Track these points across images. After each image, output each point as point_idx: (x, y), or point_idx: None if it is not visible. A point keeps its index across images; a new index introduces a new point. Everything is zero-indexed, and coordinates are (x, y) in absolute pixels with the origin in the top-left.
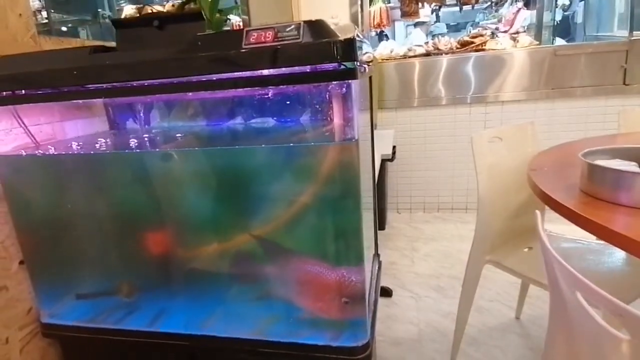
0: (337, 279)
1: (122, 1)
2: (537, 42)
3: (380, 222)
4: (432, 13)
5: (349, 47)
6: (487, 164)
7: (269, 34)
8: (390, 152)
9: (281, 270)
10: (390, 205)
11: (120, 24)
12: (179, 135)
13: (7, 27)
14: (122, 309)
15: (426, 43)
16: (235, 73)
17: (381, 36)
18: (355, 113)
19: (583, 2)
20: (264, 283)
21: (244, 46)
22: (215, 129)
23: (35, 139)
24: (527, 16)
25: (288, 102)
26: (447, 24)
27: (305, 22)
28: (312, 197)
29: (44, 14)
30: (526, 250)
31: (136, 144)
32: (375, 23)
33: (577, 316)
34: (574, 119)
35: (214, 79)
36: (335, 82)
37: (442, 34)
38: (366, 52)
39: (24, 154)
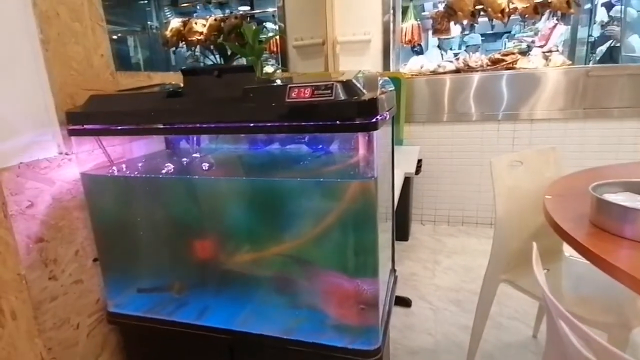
0: (354, 291)
1: (169, 14)
2: (570, 62)
3: (404, 233)
4: (462, 31)
5: (372, 106)
6: (506, 186)
7: (307, 91)
8: (413, 170)
9: (308, 280)
10: (415, 216)
11: (188, 72)
12: (223, 158)
13: (92, 66)
14: (174, 304)
15: (457, 59)
16: (278, 122)
17: (414, 49)
18: (375, 156)
19: (621, 20)
20: (294, 290)
21: (286, 100)
22: (255, 153)
23: (110, 158)
24: (564, 32)
25: (320, 137)
26: (482, 34)
27: (337, 81)
28: (336, 222)
29: None
30: (545, 271)
31: (188, 169)
32: (406, 39)
33: (565, 341)
34: (606, 140)
35: (260, 124)
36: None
37: (477, 45)
38: (389, 90)
39: (102, 173)
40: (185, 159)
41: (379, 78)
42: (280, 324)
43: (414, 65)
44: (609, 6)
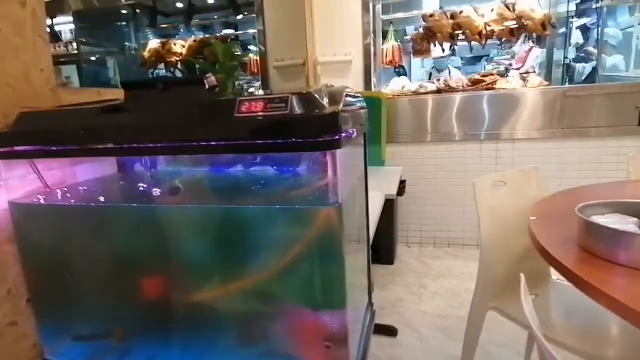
0: (320, 329)
1: (150, 35)
2: (547, 82)
3: (389, 257)
4: (443, 52)
5: (333, 121)
6: (490, 208)
7: (259, 104)
8: (394, 191)
9: (269, 320)
10: (401, 238)
11: (129, 86)
12: (178, 185)
13: (30, 82)
14: (115, 353)
15: (437, 80)
16: (227, 140)
17: (397, 70)
18: (339, 179)
19: (597, 42)
20: (254, 332)
21: (235, 115)
22: (216, 177)
23: (46, 184)
24: (539, 54)
25: (282, 157)
26: (461, 57)
27: (294, 94)
28: (297, 252)
29: (74, 45)
30: (532, 297)
31: (136, 196)
32: (387, 60)
33: None
34: (586, 159)
35: (206, 143)
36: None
37: (457, 67)
38: (360, 108)
39: (33, 201)
40: (138, 184)
41: (347, 92)
42: None
43: (395, 85)
44: (583, 29)
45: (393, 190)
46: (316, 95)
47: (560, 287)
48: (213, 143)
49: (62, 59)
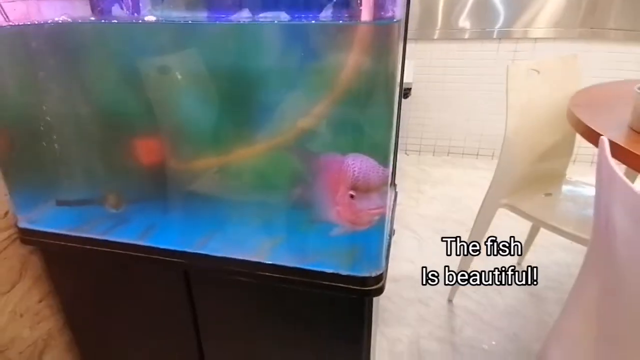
0: (353, 183)
1: None
2: None
3: None
4: None
5: None
6: (522, 99)
7: None
8: (411, 80)
9: (291, 178)
10: (399, 146)
11: None
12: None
13: None
14: (109, 220)
15: None
16: None
17: None
18: None
19: None
20: (271, 196)
21: None
22: (216, 22)
23: (6, 16)
24: None
25: None
26: None
27: None
28: (339, 86)
29: None
30: (543, 196)
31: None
32: None
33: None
34: (610, 64)
35: None
36: None
37: None
38: None
39: None
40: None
41: None
42: (251, 245)
43: None
44: None
45: (410, 79)
46: None
47: (576, 185)
48: None
49: None
